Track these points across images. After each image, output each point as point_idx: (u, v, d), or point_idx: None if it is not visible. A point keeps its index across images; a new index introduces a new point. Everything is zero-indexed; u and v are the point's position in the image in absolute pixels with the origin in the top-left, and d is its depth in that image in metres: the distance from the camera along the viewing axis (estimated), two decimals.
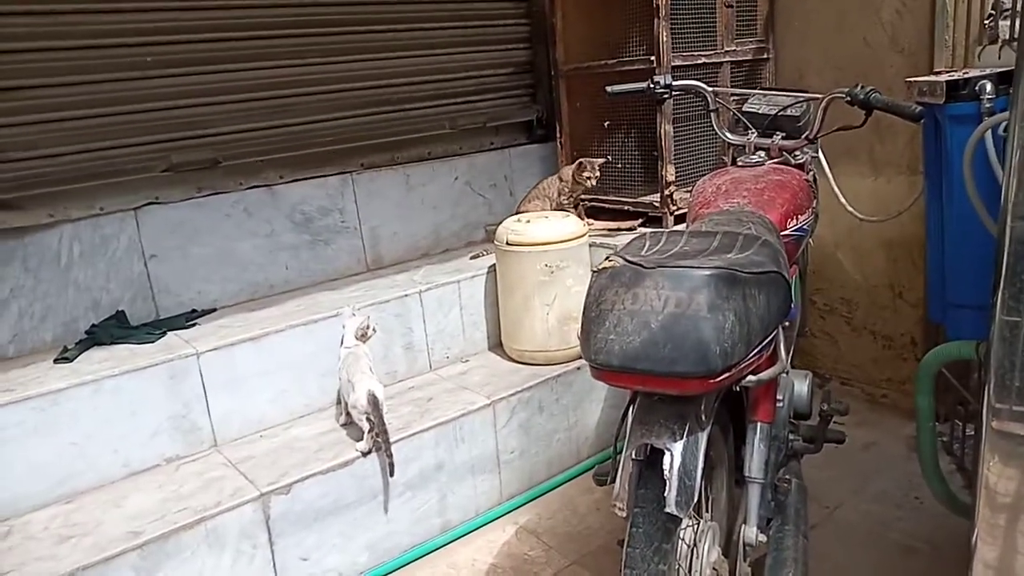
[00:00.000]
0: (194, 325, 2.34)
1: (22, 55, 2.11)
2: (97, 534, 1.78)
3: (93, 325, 2.28)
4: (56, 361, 2.10)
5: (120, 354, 2.12)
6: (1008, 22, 2.15)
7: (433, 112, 2.96)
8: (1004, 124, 1.67)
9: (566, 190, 2.77)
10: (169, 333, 2.27)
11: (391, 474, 2.04)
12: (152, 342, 2.20)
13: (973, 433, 2.30)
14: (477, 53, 3.04)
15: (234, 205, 2.51)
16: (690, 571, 1.36)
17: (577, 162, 2.74)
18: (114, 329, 2.25)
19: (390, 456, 2.01)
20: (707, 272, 1.15)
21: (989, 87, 1.77)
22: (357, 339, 2.22)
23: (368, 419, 2.02)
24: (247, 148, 2.53)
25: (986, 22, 2.26)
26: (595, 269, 1.26)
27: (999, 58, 2.12)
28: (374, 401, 2.01)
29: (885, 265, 2.72)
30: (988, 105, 1.78)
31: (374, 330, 2.27)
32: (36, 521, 1.87)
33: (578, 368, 2.49)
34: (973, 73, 1.89)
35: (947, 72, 2.11)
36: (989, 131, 1.71)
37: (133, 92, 2.30)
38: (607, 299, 1.19)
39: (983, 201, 1.71)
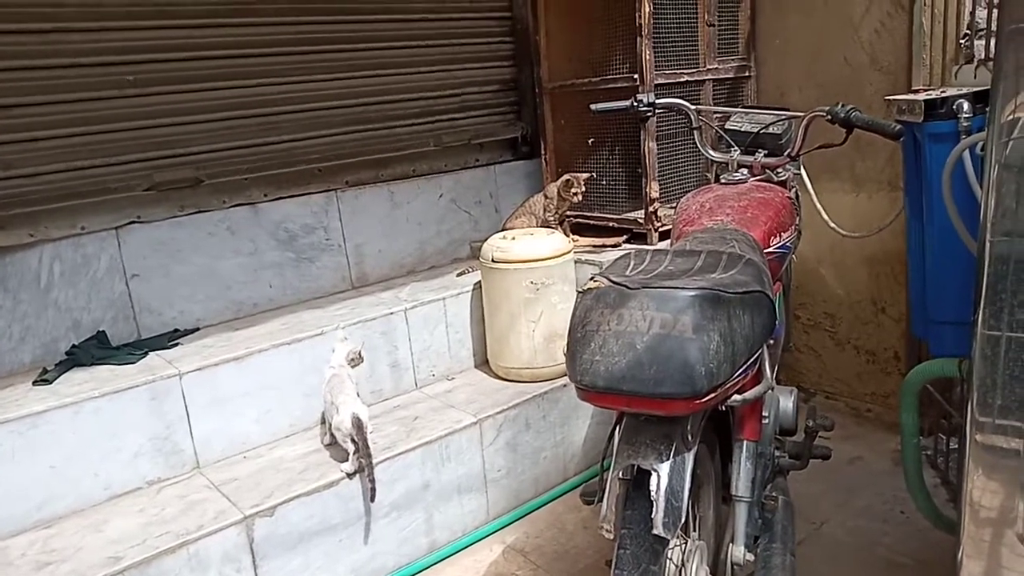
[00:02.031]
0: (176, 345, 2.31)
1: (3, 74, 2.09)
2: (76, 560, 1.75)
3: (73, 346, 2.25)
4: (35, 383, 2.06)
5: (101, 375, 2.09)
6: (983, 42, 2.20)
7: (418, 129, 2.96)
8: (981, 143, 1.69)
9: (551, 207, 2.78)
10: (151, 353, 2.24)
11: (372, 499, 2.02)
12: (133, 363, 2.17)
13: (957, 447, 2.32)
14: (462, 71, 3.05)
15: (217, 224, 2.49)
16: None
17: (563, 179, 2.75)
18: (95, 350, 2.22)
19: (372, 481, 1.99)
20: (692, 293, 1.15)
21: (966, 106, 1.79)
22: (347, 362, 2.22)
23: (352, 441, 2.00)
24: (230, 166, 2.52)
25: (962, 42, 2.31)
26: (580, 290, 1.26)
27: (975, 77, 2.16)
28: (358, 424, 2.00)
29: (867, 280, 2.74)
30: (966, 124, 1.80)
31: (362, 358, 2.27)
32: (14, 547, 1.83)
33: (564, 385, 2.49)
34: (951, 92, 1.92)
35: (925, 91, 2.14)
36: (967, 150, 1.74)
37: (115, 111, 2.28)
38: (592, 320, 1.19)
39: (962, 219, 1.73)
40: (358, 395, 2.14)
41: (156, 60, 2.33)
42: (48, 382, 2.06)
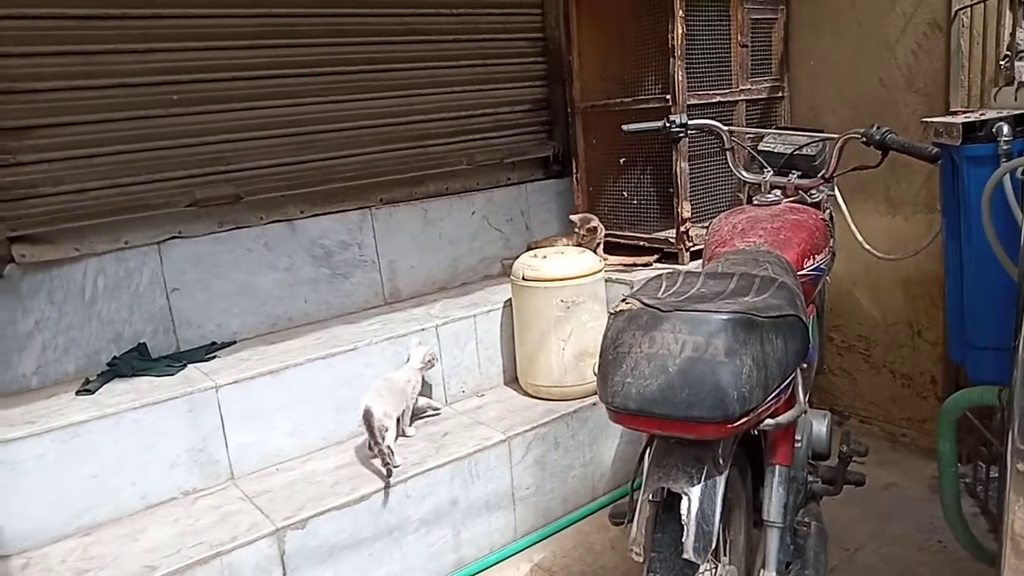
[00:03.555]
0: (214, 358, 2.36)
1: (54, 94, 2.17)
2: (114, 568, 1.79)
3: (115, 357, 2.31)
4: (78, 393, 2.12)
5: (141, 387, 2.15)
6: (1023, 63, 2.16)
7: (451, 148, 3.00)
8: (1022, 168, 1.67)
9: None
10: (189, 366, 2.29)
11: (388, 475, 2.07)
12: (172, 375, 2.22)
13: (997, 475, 2.27)
14: (495, 90, 3.09)
15: (255, 239, 2.55)
16: None
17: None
18: (135, 361, 2.28)
19: (386, 465, 2.06)
20: (724, 316, 1.15)
21: (1006, 129, 1.77)
22: (424, 364, 2.38)
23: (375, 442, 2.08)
24: (269, 183, 2.58)
25: (1001, 63, 2.28)
26: (612, 311, 1.27)
27: (1015, 99, 2.12)
28: (367, 415, 2.09)
29: (903, 303, 2.70)
30: (1005, 147, 1.78)
31: (436, 360, 2.46)
32: (54, 553, 1.88)
33: (594, 404, 2.48)
34: (990, 115, 1.90)
35: (963, 113, 2.12)
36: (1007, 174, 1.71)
37: (159, 129, 2.35)
38: (624, 342, 1.19)
39: (1002, 243, 1.71)
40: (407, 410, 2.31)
41: (199, 80, 2.40)
42: (90, 392, 2.12)
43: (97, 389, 2.14)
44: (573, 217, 2.89)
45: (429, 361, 2.40)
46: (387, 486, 2.06)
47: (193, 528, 1.93)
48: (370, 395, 2.19)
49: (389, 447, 2.10)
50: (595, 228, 2.81)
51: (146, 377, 2.21)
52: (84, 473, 1.96)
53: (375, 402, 2.16)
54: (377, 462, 2.12)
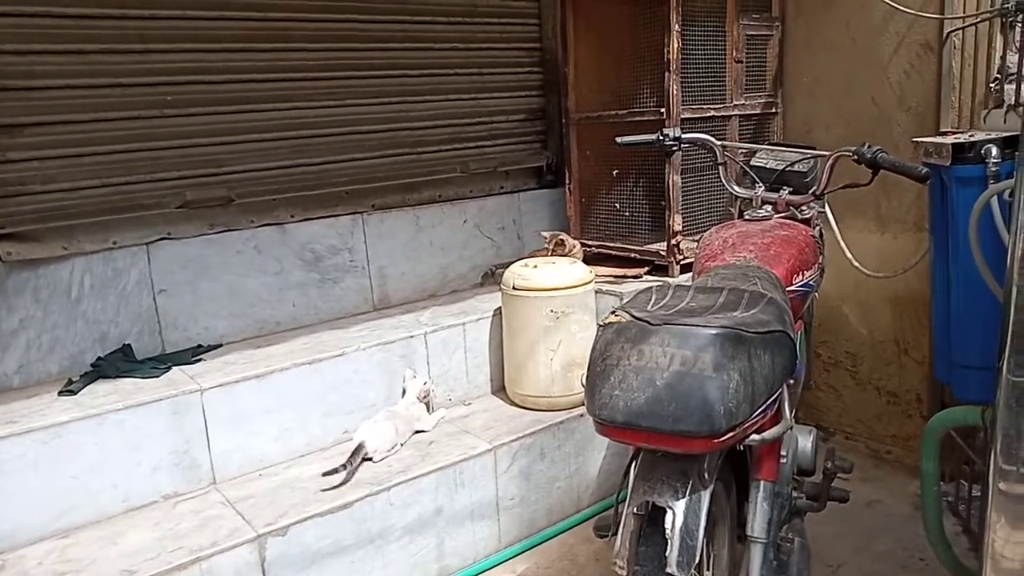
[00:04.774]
0: (199, 361, 2.34)
1: (47, 92, 2.16)
2: (91, 571, 1.76)
3: (99, 358, 2.28)
4: (60, 393, 2.10)
5: (124, 388, 2.13)
6: (1013, 86, 2.19)
7: (445, 156, 3.00)
8: (1010, 191, 1.69)
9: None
10: (174, 368, 2.28)
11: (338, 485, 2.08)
12: (157, 377, 2.20)
13: (979, 494, 2.28)
14: (490, 99, 3.10)
15: (245, 242, 2.54)
16: None
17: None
18: (120, 363, 2.26)
19: (344, 482, 2.10)
20: (713, 331, 1.16)
21: (995, 151, 1.79)
22: (419, 400, 2.41)
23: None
24: (261, 187, 2.57)
25: (991, 85, 2.30)
26: (601, 323, 1.27)
27: (1004, 122, 2.15)
28: (360, 448, 2.17)
29: (891, 321, 2.72)
30: (994, 168, 1.79)
31: (430, 392, 2.50)
32: (31, 555, 1.85)
33: (581, 415, 2.48)
34: (979, 136, 1.92)
35: (953, 133, 2.14)
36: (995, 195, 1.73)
37: (152, 130, 2.34)
38: (613, 354, 1.19)
39: (988, 263, 1.72)
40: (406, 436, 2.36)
41: (193, 82, 2.39)
42: (73, 393, 2.10)
43: (80, 390, 2.12)
44: (544, 233, 2.94)
45: (425, 395, 2.45)
46: (339, 485, 2.09)
47: (173, 532, 1.91)
48: (368, 428, 2.27)
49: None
50: (563, 242, 2.84)
51: (130, 379, 2.19)
52: (64, 474, 1.94)
53: (369, 436, 2.23)
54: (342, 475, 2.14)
